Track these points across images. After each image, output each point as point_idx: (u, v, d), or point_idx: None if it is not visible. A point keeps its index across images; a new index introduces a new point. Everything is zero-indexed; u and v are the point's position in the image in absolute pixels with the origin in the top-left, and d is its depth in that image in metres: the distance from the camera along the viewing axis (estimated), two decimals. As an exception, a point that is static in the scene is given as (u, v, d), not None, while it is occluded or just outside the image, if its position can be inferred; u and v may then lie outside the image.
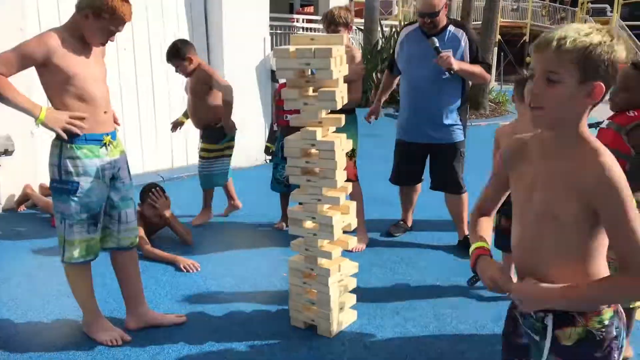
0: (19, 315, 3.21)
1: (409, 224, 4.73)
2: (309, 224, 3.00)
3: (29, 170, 5.10)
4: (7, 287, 3.57)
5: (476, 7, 15.23)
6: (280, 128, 4.49)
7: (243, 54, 6.58)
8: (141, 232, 3.95)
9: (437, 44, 3.87)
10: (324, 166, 2.86)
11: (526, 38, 24.64)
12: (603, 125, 2.85)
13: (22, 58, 2.58)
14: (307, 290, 3.08)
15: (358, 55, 4.10)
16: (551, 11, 25.97)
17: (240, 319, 3.22)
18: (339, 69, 2.80)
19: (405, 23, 4.32)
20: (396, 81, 4.55)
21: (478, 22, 18.98)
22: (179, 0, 6.27)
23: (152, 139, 6.18)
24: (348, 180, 3.11)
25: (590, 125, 2.97)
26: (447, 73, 3.90)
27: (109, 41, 2.78)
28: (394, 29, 11.98)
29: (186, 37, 6.28)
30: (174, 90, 6.23)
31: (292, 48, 2.77)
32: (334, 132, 3.00)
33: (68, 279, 2.95)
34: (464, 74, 4.00)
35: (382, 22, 13.26)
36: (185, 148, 6.44)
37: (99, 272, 3.29)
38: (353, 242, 3.11)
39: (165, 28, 6.12)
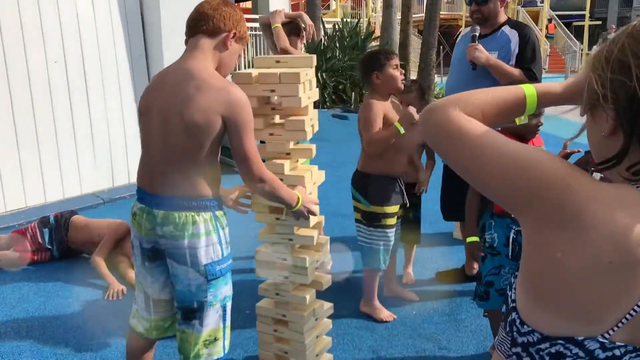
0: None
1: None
2: (279, 265, 2.69)
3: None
4: None
5: (417, 1, 15.18)
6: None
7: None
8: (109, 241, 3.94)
9: (477, 32, 3.40)
10: (295, 203, 2.55)
11: (462, 30, 25.05)
12: None
13: None
14: (279, 338, 2.78)
15: None
16: (485, 2, 26.45)
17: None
18: (308, 95, 2.49)
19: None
20: None
21: (418, 15, 19.07)
22: (113, 9, 5.76)
23: (90, 156, 5.68)
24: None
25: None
26: (473, 67, 3.37)
27: None
28: (336, 26, 11.72)
29: (122, 44, 5.82)
30: (110, 103, 5.75)
31: (254, 72, 2.44)
32: (303, 163, 2.70)
33: None
34: (495, 73, 3.33)
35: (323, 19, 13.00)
36: (127, 164, 5.96)
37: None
38: (328, 281, 2.82)
39: (98, 35, 5.62)
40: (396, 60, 3.28)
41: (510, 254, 2.79)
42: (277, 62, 2.53)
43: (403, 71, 3.34)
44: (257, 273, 2.73)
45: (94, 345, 3.08)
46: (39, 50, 5.15)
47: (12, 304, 3.57)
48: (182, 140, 2.04)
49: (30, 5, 5.07)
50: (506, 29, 3.48)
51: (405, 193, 3.36)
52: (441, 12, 14.60)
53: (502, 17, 3.53)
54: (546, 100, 1.09)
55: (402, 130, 3.08)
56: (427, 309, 3.50)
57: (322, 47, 10.71)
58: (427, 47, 11.10)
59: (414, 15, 14.07)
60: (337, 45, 10.92)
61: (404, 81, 3.30)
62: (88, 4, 5.53)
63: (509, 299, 1.02)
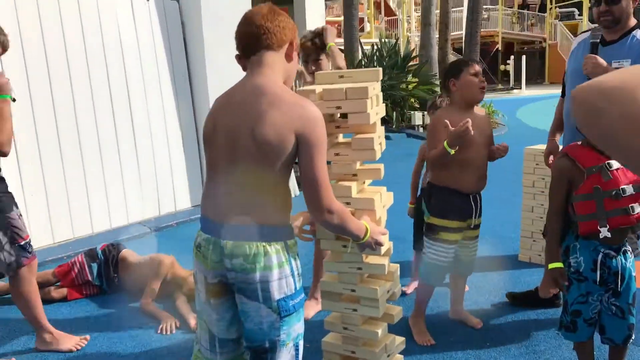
0: None
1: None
2: (346, 297, 2.47)
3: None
4: None
5: (455, 19, 14.98)
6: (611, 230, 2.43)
7: (229, 79, 6.01)
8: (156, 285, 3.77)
9: (598, 39, 2.94)
10: (365, 229, 2.34)
11: (499, 46, 24.62)
12: None
13: None
14: (348, 377, 2.55)
15: None
16: (520, 18, 26.03)
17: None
18: (376, 110, 2.30)
19: (584, 30, 3.33)
20: None
21: (456, 33, 18.84)
22: (155, 30, 5.72)
23: (136, 184, 5.59)
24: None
25: None
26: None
27: None
28: (375, 46, 11.60)
29: (165, 65, 5.75)
30: (156, 125, 5.67)
31: (318, 88, 2.27)
32: (370, 184, 2.50)
33: None
34: None
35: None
36: (173, 191, 5.85)
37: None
38: (399, 313, 2.58)
39: (141, 57, 5.57)
40: (476, 68, 3.11)
41: (597, 279, 2.53)
42: (341, 77, 2.35)
43: (484, 80, 3.14)
44: (322, 305, 2.53)
45: (148, 385, 2.91)
46: (84, 78, 5.11)
47: (62, 340, 3.42)
48: (251, 162, 1.86)
49: (73, 27, 5.04)
50: (638, 33, 2.97)
51: (476, 211, 3.17)
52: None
53: (633, 20, 3.04)
54: None
55: (451, 152, 2.93)
56: (502, 339, 3.22)
57: (360, 68, 10.57)
58: (469, 64, 10.87)
59: (451, 34, 13.86)
60: (376, 65, 10.78)
61: (483, 90, 3.11)
62: (131, 29, 5.49)
63: None
